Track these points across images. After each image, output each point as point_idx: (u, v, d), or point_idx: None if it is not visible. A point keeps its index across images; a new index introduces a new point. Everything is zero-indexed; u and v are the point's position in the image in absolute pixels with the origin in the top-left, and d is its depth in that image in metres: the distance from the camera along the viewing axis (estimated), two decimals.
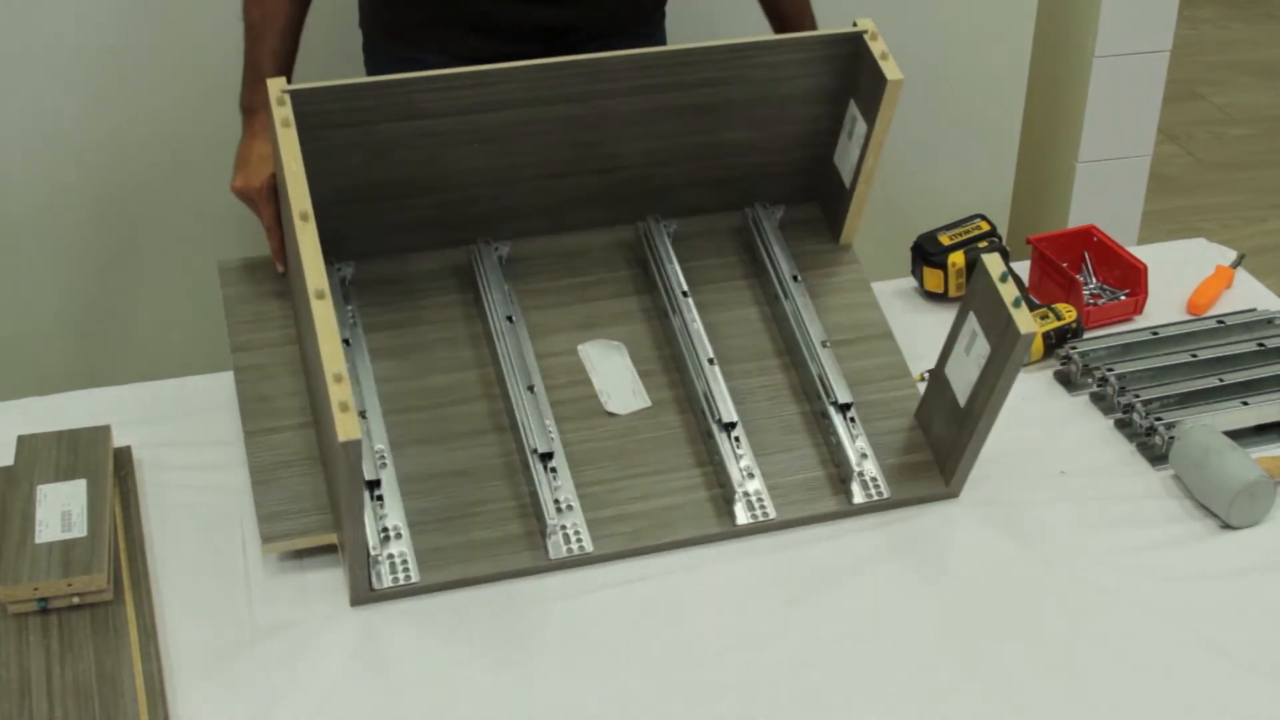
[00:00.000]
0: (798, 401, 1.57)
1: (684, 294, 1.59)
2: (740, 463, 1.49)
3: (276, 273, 1.60)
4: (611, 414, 1.53)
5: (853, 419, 1.53)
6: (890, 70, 1.51)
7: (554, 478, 1.45)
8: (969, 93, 2.52)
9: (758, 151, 1.66)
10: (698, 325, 1.57)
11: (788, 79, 1.58)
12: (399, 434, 1.48)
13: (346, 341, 1.52)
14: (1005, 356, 1.37)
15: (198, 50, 2.12)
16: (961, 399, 1.45)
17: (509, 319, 1.56)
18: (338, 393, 1.21)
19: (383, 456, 1.46)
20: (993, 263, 1.41)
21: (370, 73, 1.83)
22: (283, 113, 1.40)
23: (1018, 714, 1.28)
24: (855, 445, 1.51)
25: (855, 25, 1.55)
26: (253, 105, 1.61)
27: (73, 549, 1.36)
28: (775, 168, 1.68)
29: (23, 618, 1.34)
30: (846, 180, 1.64)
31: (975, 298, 1.43)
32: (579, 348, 1.58)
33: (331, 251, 1.54)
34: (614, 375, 1.56)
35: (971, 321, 1.43)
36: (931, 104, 2.48)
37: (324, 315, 1.26)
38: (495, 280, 1.59)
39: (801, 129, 1.65)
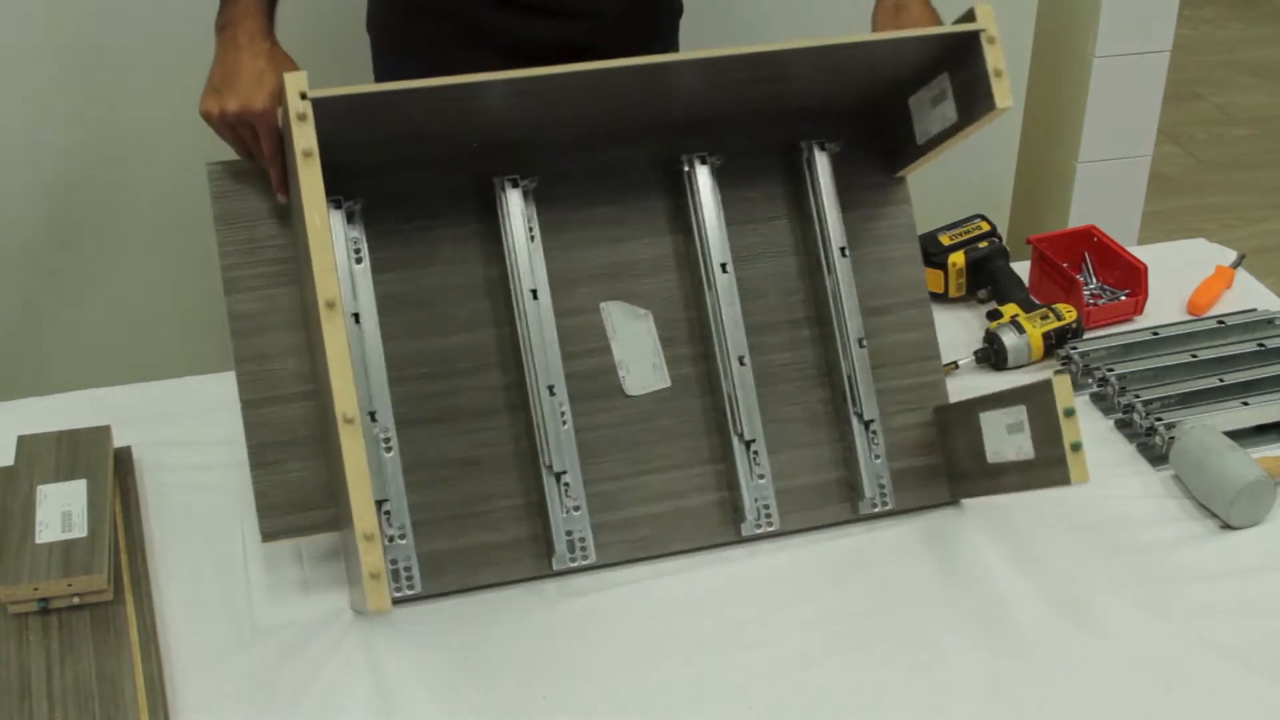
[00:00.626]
0: (821, 385, 1.52)
1: (722, 267, 1.48)
2: (754, 473, 1.47)
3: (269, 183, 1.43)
4: (628, 395, 1.48)
5: (874, 432, 1.50)
6: (1001, 95, 1.34)
7: (565, 491, 1.42)
8: None
9: (822, 96, 1.51)
10: (734, 311, 1.48)
11: (878, 62, 1.45)
12: (406, 410, 1.41)
13: (357, 317, 1.41)
14: (1047, 481, 1.34)
15: (196, 36, 2.11)
16: (989, 457, 1.42)
17: (533, 293, 1.44)
18: (369, 560, 1.12)
19: (388, 441, 1.40)
20: (1062, 390, 1.30)
21: (379, 79, 1.78)
22: (304, 138, 1.18)
23: (1018, 714, 1.28)
24: (871, 457, 1.49)
25: (973, 15, 1.36)
26: (234, 18, 1.42)
27: (73, 549, 1.36)
28: (839, 106, 1.53)
29: (23, 618, 1.34)
30: (919, 138, 1.51)
31: (1033, 401, 1.34)
32: (602, 306, 1.48)
33: (338, 189, 1.40)
34: (635, 345, 1.48)
35: (1023, 413, 1.36)
36: None
37: (352, 447, 1.14)
38: (519, 226, 1.45)
39: (879, 82, 1.50)
